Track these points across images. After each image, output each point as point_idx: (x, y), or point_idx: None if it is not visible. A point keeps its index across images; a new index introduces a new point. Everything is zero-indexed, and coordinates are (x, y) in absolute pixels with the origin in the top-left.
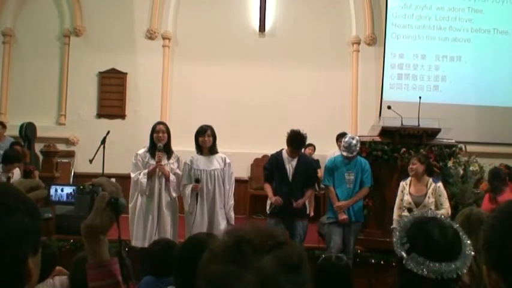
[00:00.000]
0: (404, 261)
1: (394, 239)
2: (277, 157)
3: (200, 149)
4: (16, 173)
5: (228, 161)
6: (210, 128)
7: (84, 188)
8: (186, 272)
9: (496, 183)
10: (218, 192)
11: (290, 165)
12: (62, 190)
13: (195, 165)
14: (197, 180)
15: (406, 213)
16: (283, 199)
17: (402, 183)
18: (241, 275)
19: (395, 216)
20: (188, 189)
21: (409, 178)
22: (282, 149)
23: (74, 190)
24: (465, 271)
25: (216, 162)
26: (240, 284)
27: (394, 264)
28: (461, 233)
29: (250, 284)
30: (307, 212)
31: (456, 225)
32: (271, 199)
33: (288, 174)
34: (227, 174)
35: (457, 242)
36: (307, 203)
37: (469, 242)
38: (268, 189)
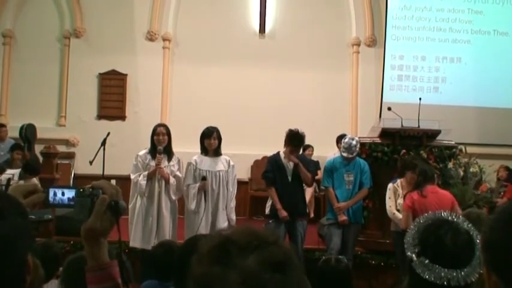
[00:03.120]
0: (412, 264)
1: (406, 239)
2: (275, 158)
3: (205, 150)
4: (16, 173)
5: (232, 163)
6: (216, 130)
7: (84, 190)
8: (185, 274)
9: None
10: (222, 194)
11: (289, 165)
12: (63, 194)
13: (200, 165)
14: (204, 178)
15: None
16: (284, 199)
17: (394, 186)
18: (226, 275)
19: (401, 217)
20: (194, 189)
21: (399, 180)
22: (279, 151)
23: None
24: (474, 280)
25: (220, 164)
26: (224, 284)
27: (394, 265)
28: (476, 240)
29: (234, 283)
30: (307, 212)
31: (472, 230)
32: (280, 213)
33: (288, 175)
34: (231, 176)
35: (469, 249)
36: (306, 202)
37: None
38: (274, 196)
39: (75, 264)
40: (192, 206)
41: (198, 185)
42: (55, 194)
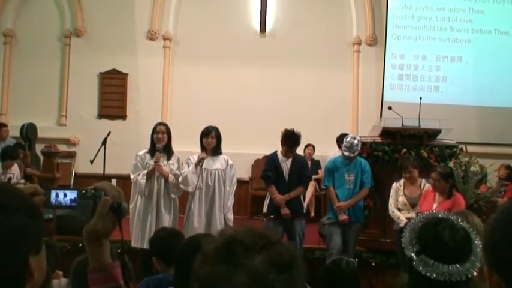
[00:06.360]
0: (413, 263)
1: (404, 240)
2: (273, 158)
3: (204, 149)
4: (16, 172)
5: (230, 162)
6: (215, 129)
7: (86, 192)
8: (184, 273)
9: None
10: (218, 193)
11: (285, 165)
12: (65, 195)
13: None
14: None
15: (411, 214)
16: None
17: (396, 185)
18: (232, 274)
19: (400, 216)
20: (191, 167)
21: (402, 179)
22: (276, 151)
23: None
24: (475, 273)
25: (218, 163)
26: (231, 284)
27: (394, 264)
28: (472, 235)
29: (241, 284)
30: (304, 211)
31: (468, 226)
32: (283, 211)
33: (284, 174)
34: (228, 176)
35: (467, 244)
36: (303, 202)
37: (479, 243)
38: (274, 192)
39: (83, 265)
40: (191, 186)
41: (197, 160)
42: (57, 196)
